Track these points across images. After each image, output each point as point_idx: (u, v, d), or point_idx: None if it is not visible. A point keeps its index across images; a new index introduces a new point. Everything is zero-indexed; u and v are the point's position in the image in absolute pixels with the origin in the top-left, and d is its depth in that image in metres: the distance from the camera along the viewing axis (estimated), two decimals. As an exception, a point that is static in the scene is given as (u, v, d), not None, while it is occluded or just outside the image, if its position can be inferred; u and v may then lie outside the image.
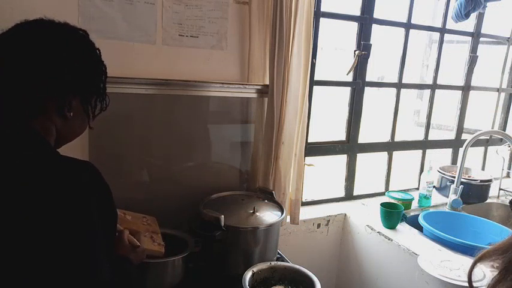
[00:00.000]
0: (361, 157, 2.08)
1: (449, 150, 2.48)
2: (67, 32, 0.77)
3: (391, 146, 2.18)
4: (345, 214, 1.91)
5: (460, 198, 1.92)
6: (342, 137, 2.03)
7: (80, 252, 0.66)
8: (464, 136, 2.46)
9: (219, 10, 1.45)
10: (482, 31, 2.34)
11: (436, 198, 2.11)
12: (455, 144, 2.46)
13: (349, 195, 2.09)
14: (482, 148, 2.66)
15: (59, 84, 0.73)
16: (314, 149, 1.90)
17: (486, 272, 0.74)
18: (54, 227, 0.64)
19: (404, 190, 2.15)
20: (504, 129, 2.68)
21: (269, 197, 1.48)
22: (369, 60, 1.92)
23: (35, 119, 0.72)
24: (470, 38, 2.32)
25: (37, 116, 0.72)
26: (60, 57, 0.73)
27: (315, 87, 1.81)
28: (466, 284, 1.26)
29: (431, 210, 1.92)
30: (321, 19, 1.74)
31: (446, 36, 2.21)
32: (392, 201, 1.88)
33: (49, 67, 0.71)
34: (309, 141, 1.82)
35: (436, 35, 2.23)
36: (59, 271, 0.64)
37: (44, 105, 0.73)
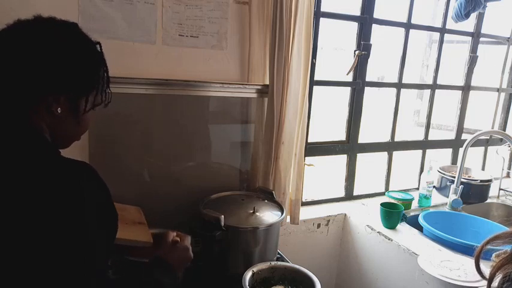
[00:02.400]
0: (361, 157, 2.08)
1: (449, 150, 2.48)
2: (51, 29, 0.74)
3: (391, 146, 2.18)
4: (345, 214, 1.91)
5: (460, 198, 1.92)
6: (342, 137, 2.03)
7: (69, 254, 0.65)
8: (464, 136, 2.46)
9: (219, 10, 1.45)
10: (482, 31, 2.34)
11: (436, 198, 2.11)
12: (455, 144, 2.46)
13: (349, 195, 2.09)
14: (482, 148, 2.66)
15: (43, 81, 0.71)
16: (314, 149, 1.90)
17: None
18: (45, 227, 0.63)
19: (404, 190, 2.15)
20: (504, 129, 2.68)
21: (269, 197, 1.48)
22: (369, 60, 1.92)
23: (28, 116, 0.71)
24: (470, 38, 2.32)
25: (27, 114, 0.71)
26: (43, 55, 0.71)
27: (315, 87, 1.81)
28: (466, 284, 1.27)
29: (431, 210, 1.92)
30: (321, 19, 1.74)
31: (446, 36, 2.21)
32: (392, 201, 1.88)
33: (32, 65, 0.70)
34: (309, 141, 1.82)
35: (436, 35, 2.23)
36: (48, 273, 0.64)
37: (32, 102, 0.71)
